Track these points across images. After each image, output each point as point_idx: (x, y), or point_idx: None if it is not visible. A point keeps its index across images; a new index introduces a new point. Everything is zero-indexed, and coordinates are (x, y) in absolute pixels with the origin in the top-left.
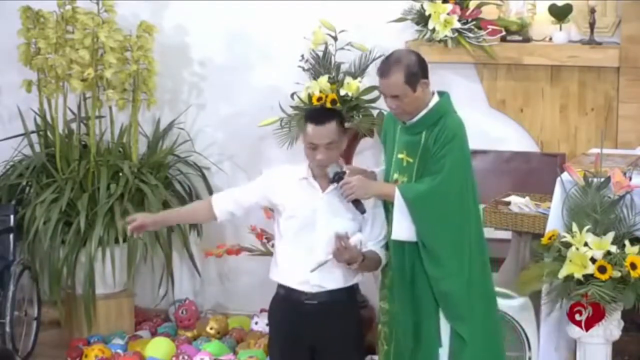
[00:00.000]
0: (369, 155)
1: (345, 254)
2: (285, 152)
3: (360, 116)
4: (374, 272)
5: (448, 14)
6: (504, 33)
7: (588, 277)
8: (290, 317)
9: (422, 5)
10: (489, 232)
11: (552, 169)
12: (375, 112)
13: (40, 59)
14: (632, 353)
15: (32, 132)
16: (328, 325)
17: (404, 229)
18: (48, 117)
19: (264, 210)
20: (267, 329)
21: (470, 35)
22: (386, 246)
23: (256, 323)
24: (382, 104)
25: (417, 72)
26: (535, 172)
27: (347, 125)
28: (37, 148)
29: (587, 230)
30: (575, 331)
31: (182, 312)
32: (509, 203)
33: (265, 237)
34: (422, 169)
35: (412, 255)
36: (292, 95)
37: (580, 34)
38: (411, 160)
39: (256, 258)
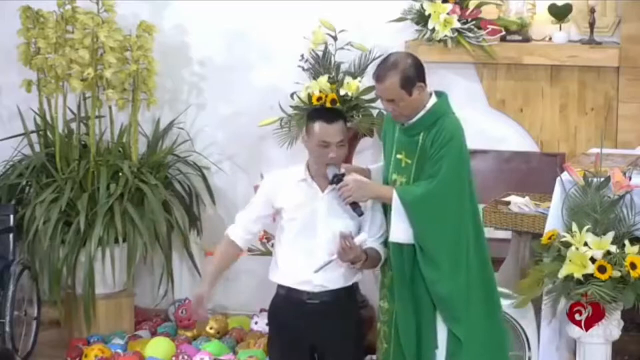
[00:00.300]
0: (369, 155)
1: (350, 253)
2: (285, 152)
3: (360, 116)
4: (374, 272)
5: (448, 14)
6: (504, 33)
7: (588, 277)
8: (291, 318)
9: (422, 5)
10: (489, 232)
11: (552, 169)
12: (375, 112)
13: (40, 59)
14: (632, 353)
15: (32, 132)
16: (329, 324)
17: (401, 231)
18: (48, 117)
19: None
20: (267, 329)
21: (470, 35)
22: (385, 243)
23: (256, 323)
24: (382, 104)
25: (413, 76)
26: (535, 172)
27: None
28: (37, 148)
29: (587, 230)
30: (575, 331)
31: (182, 312)
32: (509, 203)
33: (266, 237)
34: (420, 170)
35: (411, 256)
36: (292, 95)
37: (580, 34)
38: (410, 161)
39: (256, 258)
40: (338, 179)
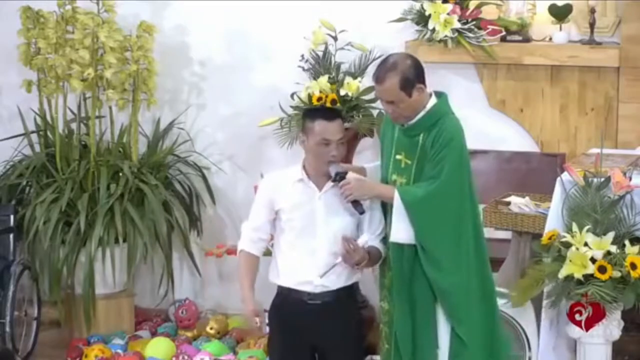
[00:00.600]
0: (369, 155)
1: (355, 256)
2: (285, 152)
3: (360, 116)
4: (374, 272)
5: (448, 14)
6: (504, 33)
7: (588, 277)
8: (292, 318)
9: (422, 5)
10: (489, 232)
11: (552, 169)
12: (375, 112)
13: (40, 59)
14: (632, 353)
15: (32, 132)
16: (330, 324)
17: (402, 230)
18: (48, 117)
19: None
20: (267, 329)
21: (470, 35)
22: (384, 240)
23: (256, 323)
24: (381, 104)
25: (412, 77)
26: (535, 172)
27: (346, 125)
28: (37, 148)
29: (587, 230)
30: (575, 331)
31: (182, 312)
32: (509, 203)
33: None
34: (420, 170)
35: (411, 256)
36: (292, 95)
37: (580, 34)
38: (409, 161)
39: None
40: (340, 176)
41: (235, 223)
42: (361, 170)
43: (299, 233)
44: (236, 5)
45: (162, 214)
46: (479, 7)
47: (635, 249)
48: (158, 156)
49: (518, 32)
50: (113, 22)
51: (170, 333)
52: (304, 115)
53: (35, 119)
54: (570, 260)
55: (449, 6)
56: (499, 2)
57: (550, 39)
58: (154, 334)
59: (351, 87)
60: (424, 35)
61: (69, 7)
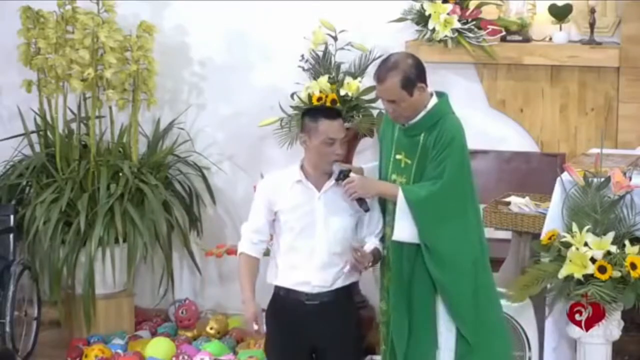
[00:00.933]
0: (368, 155)
1: (364, 262)
2: (285, 152)
3: (360, 116)
4: (374, 272)
5: (448, 14)
6: (504, 33)
7: (588, 277)
8: (290, 318)
9: (422, 5)
10: (489, 232)
11: (552, 169)
12: (375, 112)
13: (40, 59)
14: (632, 353)
15: (32, 132)
16: (328, 325)
17: (405, 229)
18: (48, 117)
19: None
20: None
21: (470, 35)
22: (382, 239)
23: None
24: (382, 104)
25: (414, 77)
26: (535, 172)
27: (346, 125)
28: (37, 148)
29: (587, 230)
30: (575, 331)
31: (182, 312)
32: (509, 203)
33: None
34: (420, 170)
35: (411, 255)
36: (292, 95)
37: (580, 34)
38: (409, 161)
39: None
40: (344, 175)
41: (235, 223)
42: (359, 171)
43: (298, 234)
44: (236, 5)
45: (162, 214)
46: (479, 7)
47: (635, 249)
48: (158, 156)
49: (518, 32)
50: (113, 22)
51: (170, 333)
52: (303, 115)
53: (35, 119)
54: (570, 260)
55: (449, 6)
56: (499, 2)
57: (550, 39)
58: (154, 334)
59: (351, 87)
60: (424, 35)
61: (69, 7)
